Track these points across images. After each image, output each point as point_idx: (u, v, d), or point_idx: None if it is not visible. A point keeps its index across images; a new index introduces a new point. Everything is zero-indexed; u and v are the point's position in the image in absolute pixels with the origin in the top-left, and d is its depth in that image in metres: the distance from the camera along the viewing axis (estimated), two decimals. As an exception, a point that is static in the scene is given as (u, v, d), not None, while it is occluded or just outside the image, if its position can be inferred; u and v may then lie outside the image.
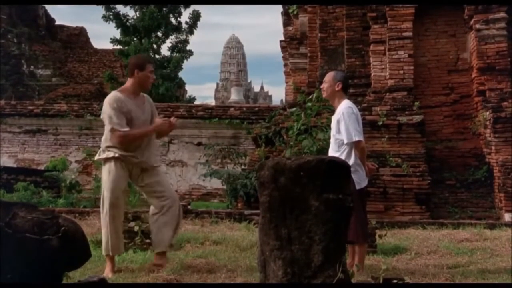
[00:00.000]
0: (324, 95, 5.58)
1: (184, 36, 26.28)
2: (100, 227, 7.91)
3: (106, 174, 5.12)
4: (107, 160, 5.13)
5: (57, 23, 30.38)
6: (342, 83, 5.41)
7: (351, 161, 5.08)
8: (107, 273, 4.92)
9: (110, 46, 27.35)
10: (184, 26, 26.21)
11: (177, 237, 5.53)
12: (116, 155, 5.06)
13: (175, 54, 25.99)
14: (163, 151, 18.35)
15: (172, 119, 5.42)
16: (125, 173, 5.13)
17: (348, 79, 5.97)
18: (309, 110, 12.41)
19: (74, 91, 25.64)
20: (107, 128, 5.12)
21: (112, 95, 5.16)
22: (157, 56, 25.60)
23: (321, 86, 5.57)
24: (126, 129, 5.01)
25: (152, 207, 5.30)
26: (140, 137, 5.09)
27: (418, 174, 11.06)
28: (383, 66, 12.41)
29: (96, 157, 5.30)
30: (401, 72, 12.13)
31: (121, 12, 25.39)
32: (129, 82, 5.23)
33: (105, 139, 5.19)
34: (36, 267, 3.03)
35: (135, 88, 5.20)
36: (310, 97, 12.69)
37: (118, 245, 5.16)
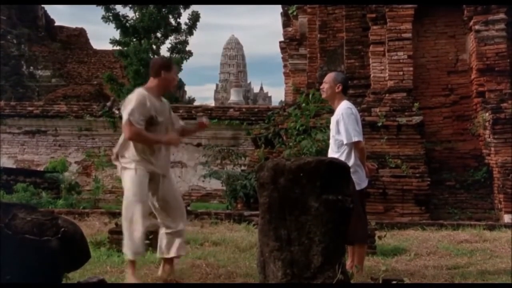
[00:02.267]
0: (324, 95, 5.57)
1: (184, 37, 26.29)
2: (100, 228, 7.96)
3: (129, 179, 4.94)
4: (124, 168, 5.00)
5: (56, 24, 30.39)
6: (342, 84, 5.41)
7: (350, 162, 5.07)
8: (130, 279, 4.72)
9: (109, 47, 27.37)
10: (183, 27, 26.21)
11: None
12: (137, 158, 4.94)
13: (174, 55, 25.98)
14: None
15: (204, 119, 5.36)
16: (146, 177, 4.97)
17: (348, 80, 5.96)
18: (307, 111, 12.42)
19: (74, 92, 25.64)
20: (124, 125, 4.93)
21: (138, 91, 5.03)
22: (156, 57, 25.57)
23: (321, 87, 5.57)
24: (142, 127, 4.87)
25: (160, 217, 5.18)
26: (151, 141, 4.93)
27: (417, 175, 11.06)
28: (382, 67, 12.41)
29: (114, 161, 5.10)
30: (401, 73, 12.13)
31: (120, 13, 25.40)
32: (153, 82, 5.08)
33: (122, 144, 5.02)
34: (36, 268, 3.03)
35: (160, 89, 5.09)
36: (304, 95, 12.70)
37: (141, 244, 4.85)
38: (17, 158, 19.10)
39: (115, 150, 5.09)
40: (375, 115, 11.71)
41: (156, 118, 4.96)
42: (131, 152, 4.98)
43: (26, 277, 3.00)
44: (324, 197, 3.29)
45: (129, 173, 4.96)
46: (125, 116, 4.90)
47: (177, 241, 5.07)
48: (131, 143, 4.98)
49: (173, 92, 24.65)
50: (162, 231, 5.16)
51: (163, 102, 5.15)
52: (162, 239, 5.14)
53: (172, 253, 5.04)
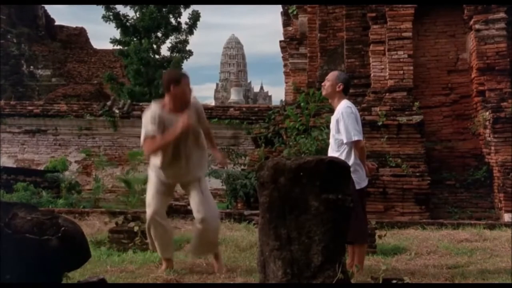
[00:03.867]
0: (324, 93, 5.57)
1: (184, 36, 26.31)
2: (100, 227, 7.97)
3: (148, 185, 5.25)
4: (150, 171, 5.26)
5: (56, 23, 30.39)
6: (344, 84, 5.40)
7: (351, 161, 5.07)
8: (161, 271, 5.06)
9: (109, 47, 27.41)
10: (183, 26, 26.23)
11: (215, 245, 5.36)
12: (155, 171, 5.16)
13: (175, 54, 26.00)
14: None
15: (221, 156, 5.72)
16: (164, 186, 5.18)
17: (351, 81, 5.94)
18: (307, 111, 12.42)
19: (74, 91, 25.65)
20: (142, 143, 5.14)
21: (150, 106, 5.13)
22: (157, 56, 25.61)
23: (322, 84, 5.56)
24: (153, 138, 4.97)
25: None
26: (163, 143, 4.96)
27: (417, 174, 11.06)
28: (382, 66, 12.40)
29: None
30: (401, 72, 12.13)
31: (121, 12, 25.42)
32: (166, 97, 5.09)
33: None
34: (36, 267, 3.03)
35: (174, 103, 5.04)
36: (304, 95, 12.69)
37: (166, 249, 5.20)
38: (17, 157, 19.11)
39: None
40: (375, 114, 11.71)
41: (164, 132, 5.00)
42: (151, 162, 5.23)
43: (26, 277, 3.00)
44: (324, 196, 3.29)
45: (148, 182, 5.27)
46: (142, 136, 5.08)
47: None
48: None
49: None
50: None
51: (180, 115, 5.03)
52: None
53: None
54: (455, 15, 12.29)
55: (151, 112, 5.02)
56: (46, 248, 3.04)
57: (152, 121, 4.96)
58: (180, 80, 5.07)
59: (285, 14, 18.02)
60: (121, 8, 26.11)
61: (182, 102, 5.10)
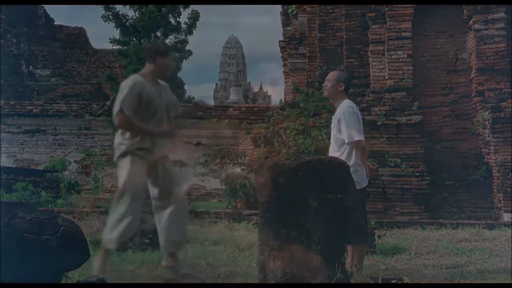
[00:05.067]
0: (325, 93, 5.57)
1: (183, 36, 26.25)
2: (99, 227, 7.95)
3: (122, 170, 4.85)
4: (120, 157, 4.93)
5: (56, 23, 30.35)
6: (345, 84, 5.41)
7: (351, 161, 5.07)
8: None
9: (109, 47, 27.32)
10: (183, 26, 26.20)
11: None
12: (130, 149, 4.87)
13: (174, 54, 25.96)
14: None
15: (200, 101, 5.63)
16: (143, 169, 4.85)
17: (351, 80, 5.94)
18: (306, 111, 12.42)
19: (73, 91, 25.62)
20: (114, 114, 4.88)
21: (132, 78, 4.97)
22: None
23: (323, 85, 5.56)
24: (131, 115, 4.83)
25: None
26: (140, 132, 4.88)
27: (417, 174, 11.07)
28: (382, 66, 12.40)
29: (115, 158, 5.06)
30: (400, 72, 12.13)
31: (120, 12, 25.37)
32: (149, 68, 5.02)
33: (117, 134, 5.03)
34: (35, 267, 3.03)
35: (155, 75, 5.01)
36: (304, 95, 12.69)
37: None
38: (17, 157, 19.11)
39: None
40: (374, 114, 11.71)
41: (150, 103, 4.91)
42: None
43: (26, 276, 3.00)
44: (324, 196, 3.29)
45: (122, 164, 4.93)
46: (117, 103, 4.87)
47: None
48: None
49: (173, 91, 24.62)
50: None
51: (159, 86, 5.06)
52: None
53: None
54: (454, 15, 12.28)
55: (136, 87, 4.86)
56: (46, 248, 3.04)
57: (136, 99, 4.81)
58: (167, 53, 5.08)
59: (284, 14, 17.99)
60: (120, 8, 26.02)
61: (163, 74, 5.12)
